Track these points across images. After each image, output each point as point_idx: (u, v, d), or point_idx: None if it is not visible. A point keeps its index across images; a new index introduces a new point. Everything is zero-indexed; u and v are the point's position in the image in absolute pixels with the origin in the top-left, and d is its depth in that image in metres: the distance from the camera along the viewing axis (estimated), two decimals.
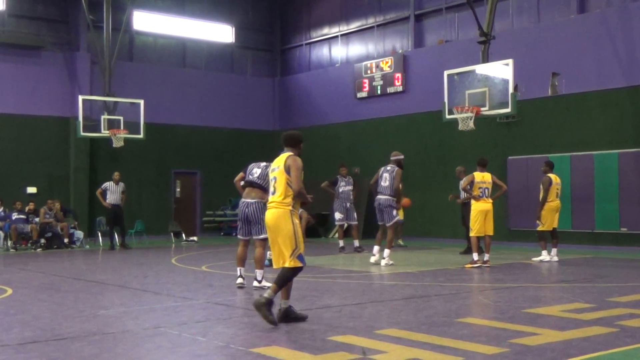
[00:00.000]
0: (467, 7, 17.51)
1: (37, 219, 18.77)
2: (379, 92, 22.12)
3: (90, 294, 9.82)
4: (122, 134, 19.96)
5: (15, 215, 18.68)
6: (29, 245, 18.66)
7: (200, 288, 10.30)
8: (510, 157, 18.54)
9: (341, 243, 16.64)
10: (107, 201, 18.35)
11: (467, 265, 12.76)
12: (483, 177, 13.16)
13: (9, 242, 18.39)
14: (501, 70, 15.26)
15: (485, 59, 16.02)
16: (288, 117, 25.52)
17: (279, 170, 7.24)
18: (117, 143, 20.00)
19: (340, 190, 16.70)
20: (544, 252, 13.88)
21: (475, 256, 12.88)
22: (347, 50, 24.16)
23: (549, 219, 13.93)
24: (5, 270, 13.40)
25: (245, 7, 25.91)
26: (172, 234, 21.65)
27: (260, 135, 25.37)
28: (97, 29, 20.97)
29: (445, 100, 16.09)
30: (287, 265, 7.02)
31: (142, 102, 20.33)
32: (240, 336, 6.69)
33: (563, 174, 15.70)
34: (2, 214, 19.09)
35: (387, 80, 21.84)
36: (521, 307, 8.06)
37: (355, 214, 16.93)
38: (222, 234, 24.02)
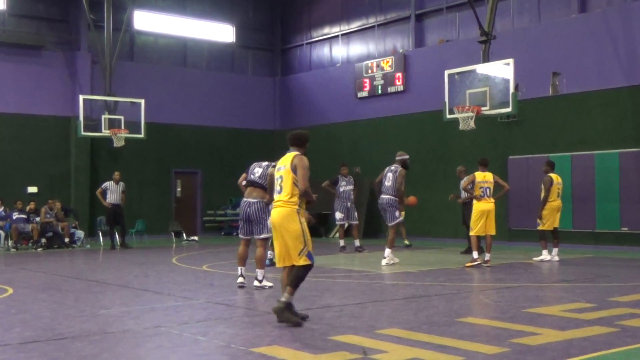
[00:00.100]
0: (468, 6, 17.52)
1: (37, 219, 18.78)
2: (379, 91, 22.12)
3: (91, 293, 9.82)
4: (123, 134, 19.96)
5: (16, 215, 18.69)
6: (30, 244, 18.67)
7: (200, 288, 10.30)
8: (510, 157, 18.54)
9: (342, 243, 16.64)
10: (107, 201, 18.36)
11: (467, 264, 12.77)
12: (484, 177, 13.15)
13: (10, 242, 18.40)
14: (502, 69, 15.26)
15: (486, 58, 16.02)
16: (289, 117, 25.52)
17: (285, 170, 7.24)
18: (118, 143, 20.00)
19: (341, 189, 16.69)
20: (545, 252, 13.88)
21: (475, 254, 12.88)
22: (348, 49, 24.16)
23: (550, 219, 13.94)
24: (6, 270, 13.41)
25: (246, 6, 25.91)
26: (172, 233, 21.65)
27: (261, 134, 25.37)
28: (98, 28, 20.97)
29: (446, 99, 16.09)
30: (297, 264, 7.04)
31: (142, 101, 20.33)
32: (241, 336, 6.69)
33: (564, 174, 15.69)
34: (3, 213, 19.10)
35: (388, 79, 21.83)
36: (522, 307, 8.06)
37: (356, 214, 16.93)
38: (222, 233, 24.02)
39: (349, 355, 5.73)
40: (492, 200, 13.12)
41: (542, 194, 14.01)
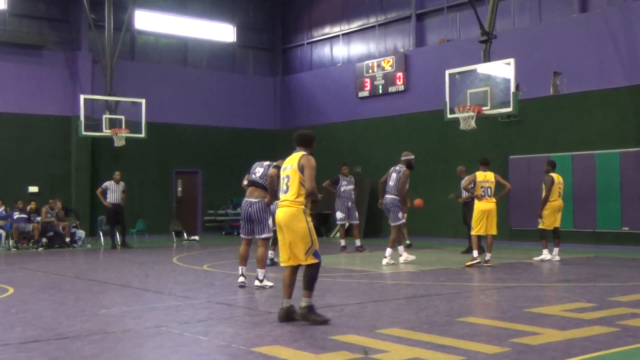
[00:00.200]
0: (469, 6, 17.51)
1: (38, 218, 18.78)
2: (380, 91, 22.11)
3: (91, 293, 9.83)
4: (124, 133, 19.97)
5: (16, 215, 18.69)
6: (31, 244, 18.68)
7: (201, 287, 10.31)
8: (511, 157, 18.53)
9: (342, 242, 16.64)
10: (108, 200, 18.38)
11: (467, 264, 12.77)
12: (486, 177, 13.15)
13: (11, 242, 18.41)
14: (503, 69, 15.25)
15: (487, 58, 16.01)
16: (289, 117, 25.53)
17: (292, 169, 7.25)
18: (119, 142, 20.01)
19: (342, 189, 16.69)
20: (545, 251, 13.88)
21: (475, 253, 12.88)
22: (349, 49, 24.15)
23: (550, 218, 13.94)
24: (6, 270, 13.41)
25: (247, 6, 25.91)
26: (173, 233, 21.66)
27: (262, 134, 25.38)
28: (99, 28, 20.98)
29: (447, 99, 16.09)
30: (303, 263, 7.09)
31: (143, 101, 20.35)
32: (242, 335, 6.69)
33: (564, 174, 15.67)
34: (4, 213, 19.10)
35: (389, 79, 21.83)
36: (522, 307, 8.06)
37: (356, 213, 16.93)
38: (223, 233, 24.02)
39: (349, 354, 5.73)
40: (494, 200, 13.12)
41: (543, 194, 14.01)
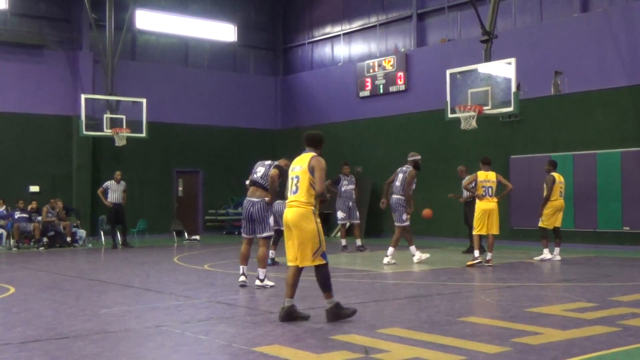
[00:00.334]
0: (470, 5, 17.49)
1: (39, 218, 18.79)
2: (381, 91, 22.11)
3: (92, 292, 9.84)
4: (125, 133, 19.98)
5: (17, 214, 18.70)
6: (32, 244, 18.69)
7: (202, 287, 10.31)
8: (512, 156, 18.53)
9: (343, 242, 16.65)
10: (109, 200, 18.38)
11: (468, 263, 12.77)
12: (487, 176, 13.15)
13: (12, 241, 18.41)
14: (504, 69, 15.24)
15: (488, 57, 15.99)
16: (290, 116, 25.53)
17: (301, 170, 7.26)
18: (120, 142, 20.02)
19: (343, 189, 16.69)
20: (546, 251, 13.88)
21: (476, 253, 12.88)
22: (350, 49, 24.15)
23: (552, 218, 13.94)
24: (7, 269, 13.43)
25: (248, 6, 25.91)
26: (174, 232, 21.67)
27: (263, 134, 25.38)
28: (100, 27, 20.97)
29: (448, 99, 16.07)
30: (311, 264, 7.13)
31: (144, 101, 20.35)
32: (243, 335, 6.69)
33: (565, 173, 15.67)
34: (5, 212, 19.11)
35: (390, 79, 21.82)
36: (523, 306, 8.06)
37: (357, 213, 16.93)
38: (224, 232, 24.03)
39: (350, 354, 5.73)
40: (495, 199, 13.12)
41: (545, 193, 14.01)
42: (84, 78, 21.76)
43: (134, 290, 10.01)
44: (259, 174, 10.02)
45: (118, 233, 18.75)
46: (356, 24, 23.87)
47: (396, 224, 13.39)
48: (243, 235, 10.10)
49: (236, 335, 6.65)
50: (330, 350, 5.90)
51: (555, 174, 14.05)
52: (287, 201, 7.39)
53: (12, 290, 9.99)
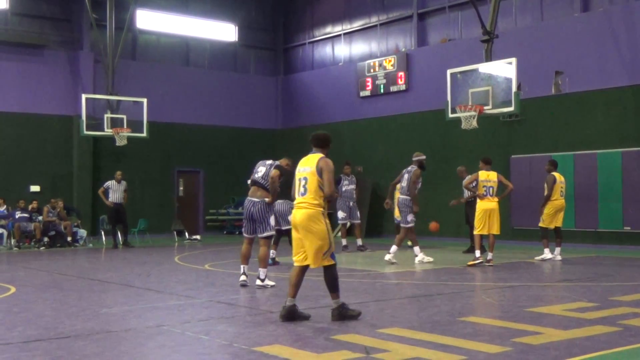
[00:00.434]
0: (471, 5, 17.49)
1: (40, 218, 18.80)
2: (382, 90, 22.11)
3: (93, 292, 9.84)
4: (125, 133, 19.99)
5: (18, 214, 18.70)
6: (32, 243, 18.70)
7: (203, 286, 10.31)
8: (513, 156, 18.52)
9: (344, 242, 16.65)
10: (109, 200, 18.37)
11: (469, 263, 12.77)
12: (488, 176, 13.15)
13: (12, 241, 18.42)
14: (504, 68, 15.24)
15: (489, 57, 16.00)
16: (291, 116, 25.53)
17: (310, 172, 7.26)
18: (120, 142, 20.02)
19: (344, 189, 16.68)
20: (546, 251, 13.87)
21: (477, 253, 12.88)
22: (350, 48, 24.15)
23: (552, 217, 13.94)
24: (8, 269, 13.42)
25: (249, 5, 25.92)
26: (175, 232, 21.66)
27: (263, 133, 25.39)
28: (100, 27, 20.99)
29: (449, 98, 16.07)
30: (320, 265, 7.16)
31: (145, 100, 20.36)
32: (243, 335, 6.69)
33: (566, 173, 15.67)
34: (6, 212, 19.12)
35: (390, 79, 21.82)
36: (524, 306, 8.06)
37: (358, 213, 16.93)
38: (225, 232, 24.03)
39: (351, 354, 5.73)
40: (495, 199, 13.11)
41: (545, 192, 14.01)
42: (85, 78, 21.77)
43: (135, 290, 10.01)
44: (260, 174, 10.01)
45: (119, 233, 18.75)
46: (357, 24, 23.87)
47: (401, 224, 13.45)
48: (244, 234, 10.10)
49: (237, 335, 6.65)
50: (330, 350, 5.90)
51: (555, 174, 14.05)
52: (295, 202, 7.39)
53: (13, 290, 10.00)
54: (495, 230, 13.07)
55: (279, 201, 11.41)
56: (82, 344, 6.25)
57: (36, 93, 21.31)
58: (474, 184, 13.31)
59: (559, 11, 18.49)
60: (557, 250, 13.97)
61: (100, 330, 6.86)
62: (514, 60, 14.90)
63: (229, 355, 5.86)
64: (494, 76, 15.46)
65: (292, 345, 6.13)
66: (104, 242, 19.58)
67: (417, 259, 13.38)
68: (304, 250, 7.23)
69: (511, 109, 15.15)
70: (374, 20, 23.29)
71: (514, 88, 14.82)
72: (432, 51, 21.12)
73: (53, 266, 13.84)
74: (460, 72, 16.10)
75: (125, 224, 18.85)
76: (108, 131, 19.99)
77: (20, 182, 20.86)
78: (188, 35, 24.39)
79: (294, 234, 7.35)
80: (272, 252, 12.37)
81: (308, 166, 7.32)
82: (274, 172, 9.83)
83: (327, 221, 7.26)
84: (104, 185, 18.62)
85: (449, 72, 16.27)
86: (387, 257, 13.04)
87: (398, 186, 13.68)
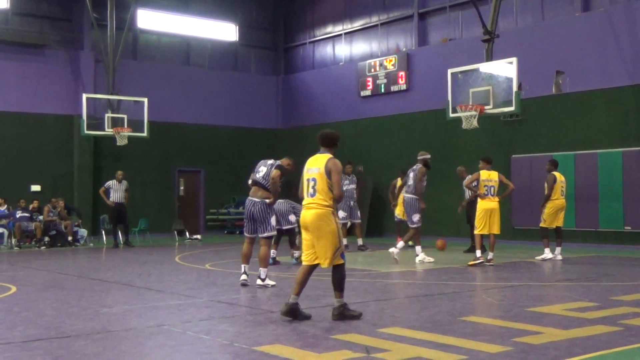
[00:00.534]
0: (471, 5, 17.48)
1: (41, 217, 18.81)
2: (382, 90, 22.11)
3: (93, 292, 9.84)
4: (126, 132, 19.99)
5: (19, 214, 18.71)
6: (33, 243, 18.71)
7: (203, 286, 10.31)
8: (513, 156, 18.52)
9: (345, 241, 16.59)
10: (110, 199, 18.37)
11: (470, 263, 12.77)
12: (489, 175, 13.15)
13: (13, 240, 18.43)
14: (505, 68, 15.23)
15: (489, 57, 15.99)
16: (292, 116, 25.53)
17: (319, 173, 7.24)
18: (121, 141, 20.02)
19: (344, 188, 16.62)
20: (547, 250, 13.87)
21: (478, 253, 12.88)
22: (351, 48, 24.15)
23: (553, 217, 13.94)
24: (9, 268, 13.43)
25: (249, 5, 25.92)
26: (175, 232, 21.67)
27: (264, 133, 25.39)
28: (101, 27, 21.00)
29: (449, 98, 16.07)
30: (332, 264, 7.17)
31: (145, 100, 20.36)
32: (244, 334, 6.68)
33: (567, 173, 15.66)
34: (6, 212, 19.12)
35: (391, 78, 21.82)
36: (525, 306, 8.06)
37: (358, 212, 16.94)
38: (225, 232, 24.04)
39: (351, 353, 5.73)
40: (496, 199, 13.11)
41: (546, 192, 14.01)
42: (86, 77, 21.77)
43: (136, 289, 10.01)
44: (261, 174, 10.00)
45: (119, 232, 18.75)
46: (357, 24, 23.87)
47: (408, 224, 13.53)
48: (245, 234, 10.10)
49: (237, 335, 6.65)
50: (331, 349, 5.90)
51: (556, 173, 14.04)
52: (303, 203, 7.38)
53: (14, 289, 10.00)
54: (496, 230, 13.07)
55: (279, 200, 11.41)
56: (82, 343, 6.25)
57: (37, 93, 21.32)
58: (475, 184, 13.31)
59: (560, 11, 18.49)
60: (558, 249, 13.97)
61: (100, 330, 6.86)
62: (514, 60, 14.89)
63: (230, 354, 5.86)
64: (495, 76, 15.46)
65: (292, 344, 6.13)
66: (105, 242, 19.59)
67: (417, 259, 13.39)
68: (313, 251, 7.23)
69: (512, 108, 15.14)
70: (374, 19, 23.29)
71: (514, 88, 14.82)
72: (432, 51, 21.11)
73: (54, 266, 13.85)
74: (461, 72, 16.09)
75: (126, 224, 18.85)
76: (109, 131, 19.99)
77: (21, 181, 20.87)
78: (189, 35, 24.40)
79: (303, 234, 7.35)
80: (272, 252, 12.38)
81: (316, 167, 7.30)
82: (275, 173, 9.81)
83: (337, 220, 7.27)
84: (105, 185, 18.62)
85: (449, 71, 16.26)
86: (393, 249, 13.04)
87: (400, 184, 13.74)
